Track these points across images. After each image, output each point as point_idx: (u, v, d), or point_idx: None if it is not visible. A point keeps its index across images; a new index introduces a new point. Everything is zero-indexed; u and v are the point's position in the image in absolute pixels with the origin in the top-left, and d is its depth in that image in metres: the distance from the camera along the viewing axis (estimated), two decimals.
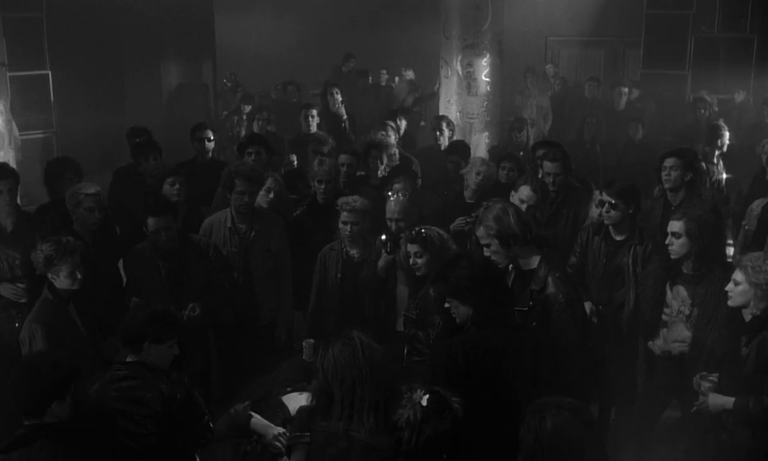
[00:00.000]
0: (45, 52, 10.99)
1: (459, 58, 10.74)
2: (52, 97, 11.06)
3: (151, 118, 10.20)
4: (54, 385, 4.01)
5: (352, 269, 6.11)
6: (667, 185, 6.68)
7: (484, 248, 5.08)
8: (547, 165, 6.78)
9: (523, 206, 6.31)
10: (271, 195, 6.71)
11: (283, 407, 4.65)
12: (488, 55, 10.73)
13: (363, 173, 7.59)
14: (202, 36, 12.62)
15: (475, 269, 4.68)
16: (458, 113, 10.78)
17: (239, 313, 6.17)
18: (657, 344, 5.66)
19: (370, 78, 13.12)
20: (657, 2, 13.75)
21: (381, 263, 5.91)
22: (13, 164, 8.30)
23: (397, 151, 7.77)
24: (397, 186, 6.62)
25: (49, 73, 11.04)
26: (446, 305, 4.69)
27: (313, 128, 9.27)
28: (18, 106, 9.70)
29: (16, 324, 5.77)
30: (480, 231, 5.08)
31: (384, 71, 13.11)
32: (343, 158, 7.39)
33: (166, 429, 4.50)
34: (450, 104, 10.92)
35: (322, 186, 6.81)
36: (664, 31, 13.68)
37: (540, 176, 6.83)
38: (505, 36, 10.98)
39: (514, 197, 6.51)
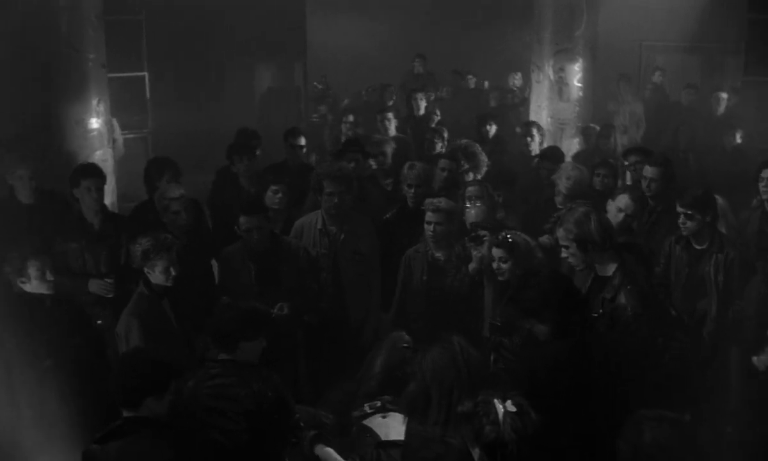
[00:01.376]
0: (143, 54, 11.28)
1: (551, 62, 10.59)
2: (148, 98, 11.36)
3: (244, 120, 10.34)
4: (154, 381, 4.10)
5: (437, 272, 6.10)
6: (765, 196, 6.47)
7: (562, 249, 5.10)
8: (648, 170, 6.64)
9: (621, 215, 6.22)
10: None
11: (370, 431, 4.66)
12: (581, 60, 10.56)
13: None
14: (294, 38, 12.76)
15: (545, 286, 4.63)
16: (549, 119, 10.63)
17: (327, 314, 6.20)
18: (761, 360, 5.47)
19: (465, 82, 13.05)
20: (760, 7, 13.26)
21: (473, 265, 5.87)
22: (112, 163, 8.57)
23: (480, 153, 7.68)
24: (471, 190, 6.57)
25: (146, 74, 11.32)
26: (526, 325, 4.68)
27: (392, 132, 9.25)
28: (115, 107, 9.96)
29: (99, 322, 5.97)
30: (560, 232, 5.11)
31: (471, 76, 13.04)
32: (443, 162, 7.33)
33: (257, 426, 4.57)
34: (541, 109, 10.78)
35: (412, 190, 6.78)
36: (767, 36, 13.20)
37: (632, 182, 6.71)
38: (599, 40, 10.78)
39: (611, 205, 6.38)
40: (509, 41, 14.51)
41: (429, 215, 5.97)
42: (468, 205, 6.25)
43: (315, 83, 13.50)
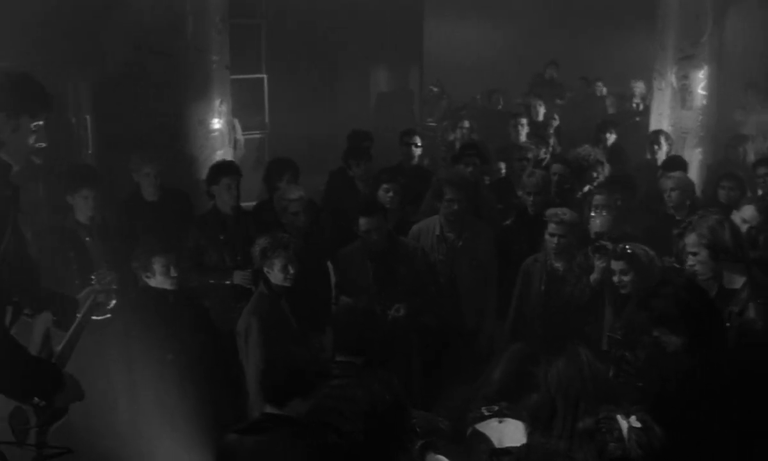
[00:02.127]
0: (262, 56, 11.49)
1: (674, 69, 10.27)
2: (266, 100, 11.56)
3: (359, 123, 10.41)
4: (303, 382, 4.17)
5: (556, 281, 6.01)
6: None
7: (689, 256, 4.90)
8: None
9: (745, 226, 6.02)
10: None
11: (484, 438, 4.60)
12: (706, 67, 10.20)
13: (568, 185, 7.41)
14: (410, 42, 12.77)
15: (682, 295, 4.45)
16: (671, 127, 10.28)
17: (443, 319, 6.16)
18: None
19: (593, 89, 12.82)
20: None
21: (595, 276, 5.74)
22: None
23: (603, 160, 7.50)
24: (597, 198, 6.42)
25: (265, 77, 11.53)
26: (654, 334, 4.50)
27: (522, 138, 9.15)
28: (235, 108, 10.17)
29: (234, 315, 6.07)
30: (691, 238, 4.89)
31: (599, 83, 12.80)
32: (555, 167, 7.22)
33: (373, 428, 4.56)
34: (662, 118, 10.44)
35: (531, 198, 6.70)
36: None
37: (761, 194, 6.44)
38: (725, 47, 10.39)
39: (736, 216, 6.15)
40: (630, 48, 14.16)
41: (552, 227, 5.90)
42: (593, 214, 6.10)
43: (430, 87, 13.48)
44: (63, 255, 6.04)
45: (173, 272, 5.41)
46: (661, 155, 8.63)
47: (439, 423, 5.02)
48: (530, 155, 8.15)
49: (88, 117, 9.46)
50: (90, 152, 9.32)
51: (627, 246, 5.38)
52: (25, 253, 3.49)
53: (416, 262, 6.04)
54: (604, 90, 13.16)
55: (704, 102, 10.26)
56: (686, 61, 10.17)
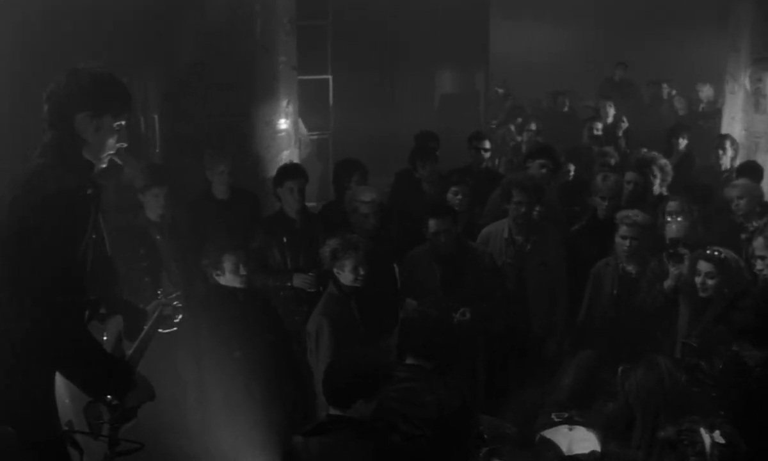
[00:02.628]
0: (328, 57, 11.50)
1: (748, 72, 10.00)
2: (331, 102, 11.58)
3: (423, 124, 10.36)
4: (367, 384, 4.15)
5: (628, 286, 5.93)
6: None
7: (758, 261, 4.87)
8: None
9: None
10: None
11: (552, 445, 4.54)
12: None
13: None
14: (476, 44, 12.68)
15: (761, 306, 4.34)
16: (743, 131, 10.02)
17: (510, 324, 6.08)
18: None
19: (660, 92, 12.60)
20: None
21: (669, 282, 5.62)
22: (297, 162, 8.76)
23: (668, 165, 7.33)
24: (672, 205, 6.28)
25: (330, 77, 11.55)
26: (734, 349, 4.39)
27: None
28: (300, 109, 10.21)
29: (296, 318, 6.09)
30: (758, 242, 4.80)
31: (665, 85, 12.59)
32: (630, 175, 7.08)
33: (439, 433, 4.53)
34: (734, 122, 10.17)
35: (605, 203, 6.58)
36: None
37: None
38: None
39: None
40: (698, 50, 13.89)
41: (624, 230, 5.82)
42: (669, 219, 5.97)
43: (496, 88, 13.38)
44: (133, 253, 6.11)
45: (243, 271, 5.43)
46: (726, 161, 8.42)
47: (505, 429, 4.99)
48: (613, 161, 7.99)
49: (156, 117, 9.57)
50: (157, 151, 9.44)
51: (716, 250, 5.27)
52: (105, 253, 3.51)
53: (484, 266, 5.96)
54: (673, 92, 12.90)
55: None
56: (761, 63, 9.89)
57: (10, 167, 3.90)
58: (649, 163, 7.16)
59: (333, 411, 4.19)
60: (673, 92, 12.76)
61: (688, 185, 7.14)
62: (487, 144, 7.99)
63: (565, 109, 12.16)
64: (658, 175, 7.07)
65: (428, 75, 12.98)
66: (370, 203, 6.05)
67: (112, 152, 3.42)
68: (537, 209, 6.18)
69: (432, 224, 5.82)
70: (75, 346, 3.10)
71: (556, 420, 4.73)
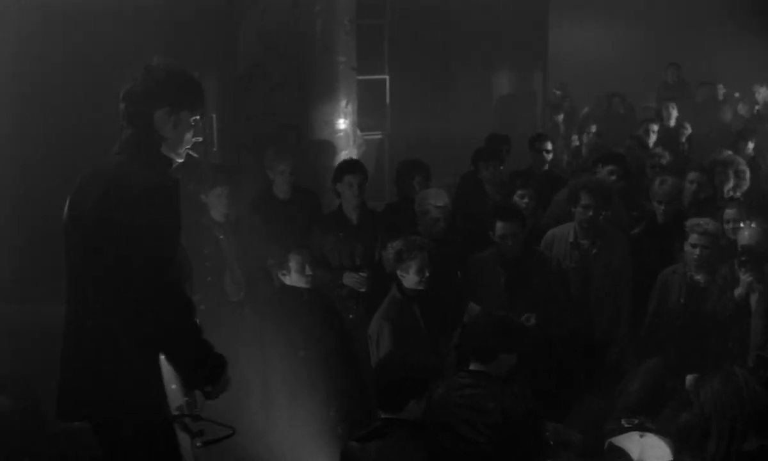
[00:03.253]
0: (384, 57, 11.47)
1: None
2: (387, 101, 11.54)
3: (481, 125, 10.28)
4: (416, 384, 4.13)
5: (697, 295, 5.80)
6: None
7: None
8: None
9: None
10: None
11: (622, 452, 4.46)
12: None
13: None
14: (535, 44, 12.55)
15: None
16: None
17: (573, 329, 5.99)
18: None
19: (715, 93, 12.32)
20: None
21: (740, 290, 5.49)
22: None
23: (747, 170, 7.16)
24: (729, 212, 6.15)
25: (387, 77, 11.51)
26: None
27: (652, 143, 8.84)
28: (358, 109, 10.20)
29: (351, 316, 6.08)
30: None
31: (721, 86, 12.34)
32: (693, 175, 6.95)
33: (504, 441, 4.48)
34: None
35: (663, 207, 6.47)
36: None
37: None
38: None
39: None
40: (756, 50, 13.57)
41: (695, 238, 5.69)
42: (741, 225, 5.82)
43: (553, 90, 13.23)
44: (197, 253, 6.14)
45: (308, 271, 5.44)
46: None
47: (571, 436, 4.91)
48: (663, 162, 7.87)
49: (213, 116, 9.66)
50: (215, 150, 9.51)
51: None
52: (182, 248, 3.57)
53: (550, 270, 5.88)
54: (736, 95, 12.65)
55: None
56: None
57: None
58: (726, 165, 6.98)
59: (386, 415, 4.19)
60: (736, 95, 12.51)
61: (748, 191, 6.95)
62: (550, 146, 7.89)
63: (622, 111, 11.96)
64: (732, 179, 6.90)
65: (486, 75, 12.86)
66: (443, 207, 6.00)
67: (188, 146, 3.47)
68: (603, 213, 6.06)
69: (500, 226, 5.75)
70: (183, 331, 3.22)
71: (627, 425, 4.65)
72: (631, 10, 14.37)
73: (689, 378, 5.37)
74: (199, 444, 3.40)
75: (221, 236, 6.29)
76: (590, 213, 5.96)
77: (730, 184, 6.93)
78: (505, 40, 12.31)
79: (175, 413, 3.30)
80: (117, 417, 3.25)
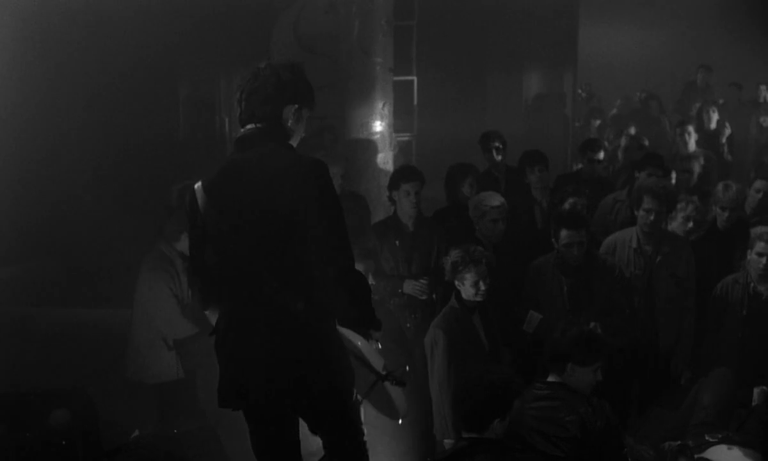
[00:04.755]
0: (413, 58, 11.31)
1: None
2: (415, 102, 11.38)
3: (511, 126, 10.12)
4: (502, 404, 4.01)
5: (759, 306, 5.67)
6: None
7: None
8: None
9: None
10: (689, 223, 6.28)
11: None
12: None
13: None
14: (565, 45, 12.39)
15: None
16: None
17: (636, 339, 5.82)
18: None
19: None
20: None
21: None
22: (392, 166, 8.61)
23: None
24: None
25: (415, 79, 11.37)
26: None
27: (691, 147, 8.68)
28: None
29: (408, 325, 5.92)
30: None
31: (764, 86, 12.16)
32: (759, 184, 6.79)
33: (582, 454, 4.35)
34: None
35: (726, 213, 6.33)
36: None
37: None
38: None
39: None
40: None
41: (762, 246, 5.54)
42: None
43: (579, 91, 13.06)
44: None
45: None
46: None
47: (643, 453, 4.79)
48: (696, 167, 7.72)
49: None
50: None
51: None
52: None
53: (614, 278, 5.71)
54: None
55: None
56: None
57: None
58: None
59: (468, 435, 4.09)
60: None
61: None
62: (602, 155, 7.67)
63: (656, 114, 11.74)
64: None
65: (517, 76, 12.70)
66: (499, 207, 5.85)
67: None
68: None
69: (565, 235, 5.56)
70: (364, 283, 3.60)
71: (711, 440, 4.50)
72: (661, 10, 14.21)
73: (757, 391, 5.24)
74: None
75: None
76: (653, 217, 5.79)
77: None
78: (536, 39, 12.15)
79: (383, 372, 3.67)
80: (309, 395, 3.50)
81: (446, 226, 6.22)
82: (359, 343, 3.62)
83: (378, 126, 8.52)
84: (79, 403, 4.74)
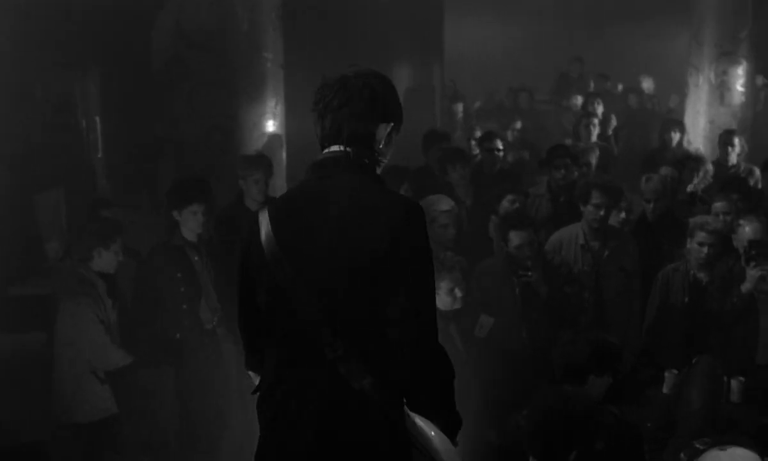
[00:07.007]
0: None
1: (713, 65, 10.14)
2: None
3: None
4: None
5: (700, 293, 5.69)
6: None
7: None
8: None
9: None
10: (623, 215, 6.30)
11: None
12: (745, 63, 10.11)
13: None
14: (431, 40, 12.32)
15: None
16: (708, 124, 10.18)
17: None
18: None
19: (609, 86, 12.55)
20: None
21: (747, 285, 5.44)
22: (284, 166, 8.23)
23: (711, 167, 7.25)
24: (718, 206, 6.18)
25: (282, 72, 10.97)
26: None
27: (593, 139, 8.82)
28: None
29: None
30: None
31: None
32: (665, 170, 6.93)
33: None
34: (698, 115, 10.32)
35: (651, 205, 6.41)
36: None
37: None
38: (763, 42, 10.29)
39: None
40: (657, 41, 14.00)
41: (702, 236, 5.56)
42: (741, 221, 5.79)
43: (450, 80, 13.05)
44: (171, 277, 5.50)
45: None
46: (734, 158, 8.30)
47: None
48: (592, 158, 7.87)
49: (97, 118, 9.05)
50: (99, 156, 9.03)
51: None
52: None
53: (562, 276, 5.63)
54: (620, 87, 12.95)
55: (743, 99, 10.16)
56: (725, 57, 10.04)
57: None
58: (699, 162, 7.03)
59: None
60: (620, 86, 12.82)
61: (725, 183, 6.96)
62: (500, 145, 7.62)
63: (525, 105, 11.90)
64: (701, 173, 6.95)
65: (387, 72, 12.49)
66: (449, 211, 5.60)
67: None
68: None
69: (514, 236, 5.40)
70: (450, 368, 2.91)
71: (702, 448, 4.44)
72: (530, 4, 14.48)
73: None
74: None
75: (195, 258, 5.61)
76: (602, 213, 5.76)
77: (697, 179, 6.98)
78: (403, 35, 11.99)
79: None
80: None
81: None
82: (432, 434, 2.80)
83: (271, 126, 8.10)
84: None
